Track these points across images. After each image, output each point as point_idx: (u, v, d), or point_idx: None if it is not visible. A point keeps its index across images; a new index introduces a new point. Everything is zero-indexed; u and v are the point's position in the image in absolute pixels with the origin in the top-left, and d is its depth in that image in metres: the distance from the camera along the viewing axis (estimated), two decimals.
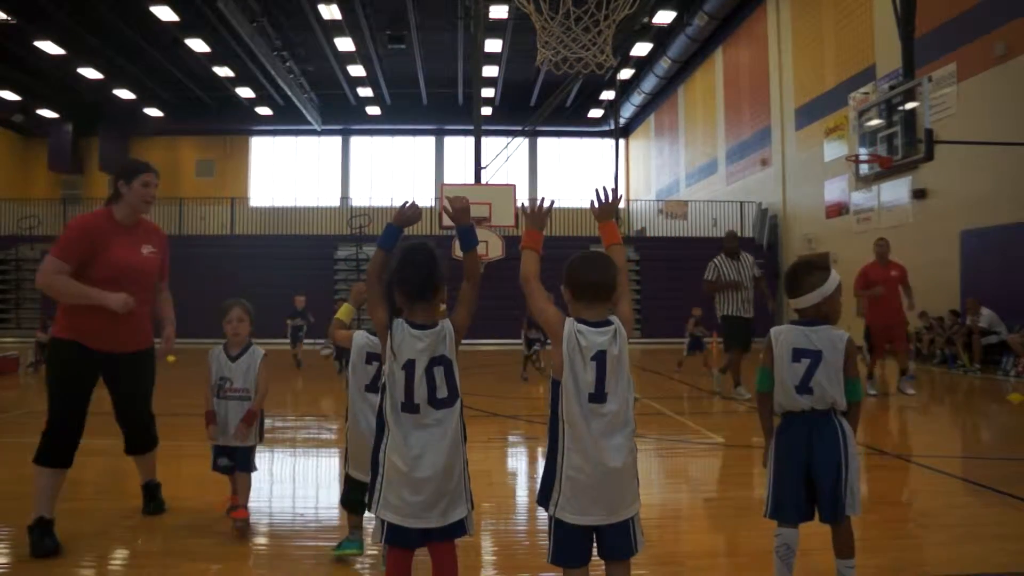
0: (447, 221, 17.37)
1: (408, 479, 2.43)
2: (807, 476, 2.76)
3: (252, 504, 4.44)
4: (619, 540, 2.42)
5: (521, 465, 5.87)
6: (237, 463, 3.92)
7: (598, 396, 2.39)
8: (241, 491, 3.90)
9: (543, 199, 2.71)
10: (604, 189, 2.74)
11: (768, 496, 2.83)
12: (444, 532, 2.48)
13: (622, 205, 25.65)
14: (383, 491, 2.47)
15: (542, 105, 23.11)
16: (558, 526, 2.42)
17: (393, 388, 2.49)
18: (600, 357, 2.40)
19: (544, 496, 2.45)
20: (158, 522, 3.97)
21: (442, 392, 2.48)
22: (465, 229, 2.66)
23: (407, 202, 2.70)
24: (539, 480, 2.51)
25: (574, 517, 2.38)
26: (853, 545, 2.74)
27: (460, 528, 2.51)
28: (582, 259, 2.50)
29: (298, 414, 8.12)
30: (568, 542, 2.41)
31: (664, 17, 22.44)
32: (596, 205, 2.71)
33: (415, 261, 2.51)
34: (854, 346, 2.86)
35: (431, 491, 2.43)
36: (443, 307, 2.63)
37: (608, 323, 2.45)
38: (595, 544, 2.46)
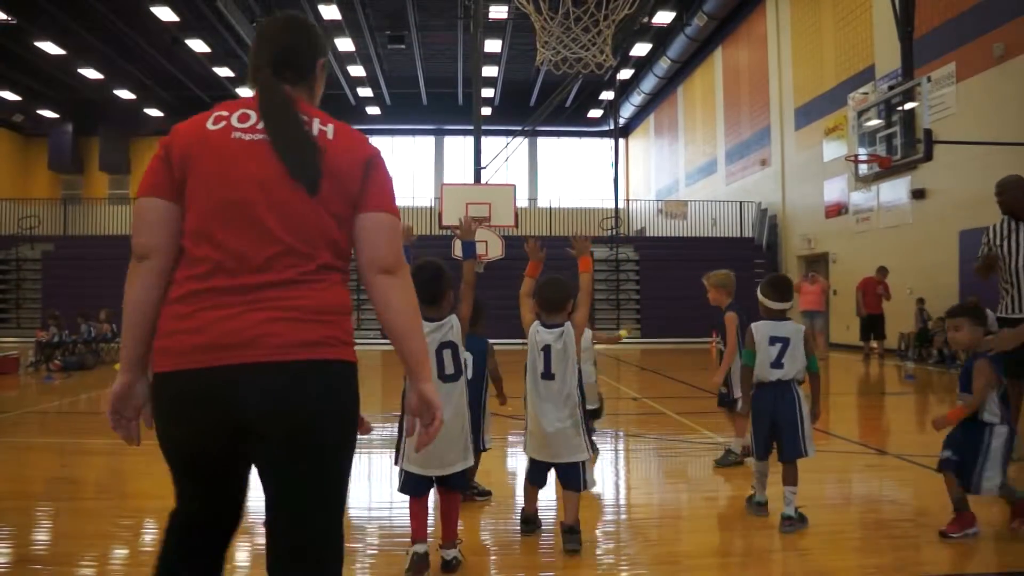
0: (446, 222, 17.47)
1: None
2: (773, 428, 3.93)
3: (251, 503, 4.45)
4: (570, 476, 3.56)
5: (520, 464, 5.86)
6: None
7: (547, 375, 3.55)
8: None
9: (537, 242, 3.81)
10: (577, 235, 3.85)
11: (752, 442, 4.07)
12: (447, 481, 3.27)
13: (622, 205, 25.60)
14: (405, 447, 3.25)
15: (542, 105, 23.10)
16: (529, 460, 3.72)
17: None
18: (547, 349, 3.55)
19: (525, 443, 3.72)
20: (158, 522, 3.97)
21: (449, 369, 3.28)
22: (467, 243, 3.60)
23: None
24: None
25: (532, 454, 3.66)
26: (797, 477, 3.87)
27: (461, 479, 3.31)
28: (546, 283, 3.63)
29: None
30: (532, 470, 3.72)
31: (663, 17, 22.43)
32: (572, 247, 3.80)
33: (424, 278, 3.16)
34: (810, 334, 4.10)
35: (438, 447, 3.10)
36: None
37: (560, 326, 3.57)
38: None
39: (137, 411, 1.83)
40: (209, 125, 1.81)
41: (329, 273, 1.81)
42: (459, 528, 3.40)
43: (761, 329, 4.03)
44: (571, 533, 3.54)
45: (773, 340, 3.96)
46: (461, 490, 3.43)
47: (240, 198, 1.74)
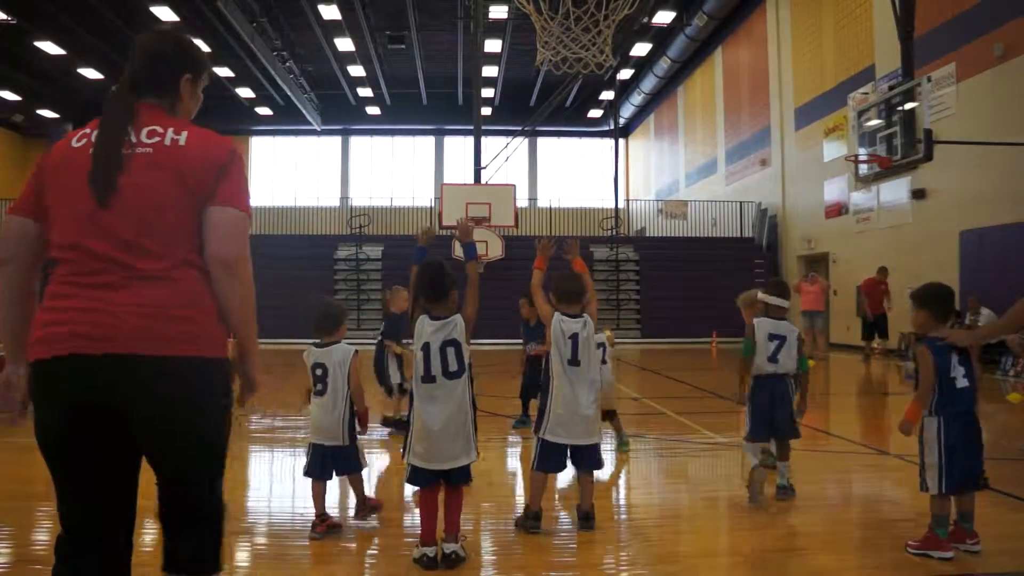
0: (446, 221, 17.45)
1: (424, 433, 3.31)
2: (771, 414, 4.38)
3: (251, 503, 4.46)
4: (589, 457, 3.86)
5: (520, 465, 5.86)
6: None
7: (574, 361, 3.82)
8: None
9: (550, 238, 4.14)
10: (567, 240, 4.18)
11: (749, 425, 4.50)
12: (452, 475, 3.35)
13: (621, 205, 25.61)
14: (411, 442, 3.37)
15: (542, 105, 23.10)
16: (544, 444, 3.81)
17: (417, 365, 3.40)
18: (574, 337, 3.83)
19: (538, 426, 3.86)
20: (158, 522, 3.97)
21: (453, 367, 3.37)
22: (467, 244, 3.78)
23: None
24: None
25: (555, 438, 3.79)
26: (788, 453, 4.50)
27: (466, 473, 3.39)
28: (563, 278, 3.98)
29: (302, 414, 8.10)
30: (548, 455, 3.82)
31: (664, 17, 22.44)
32: (565, 252, 4.15)
33: (428, 276, 3.44)
34: (802, 336, 4.57)
35: (441, 442, 3.30)
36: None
37: (581, 316, 3.90)
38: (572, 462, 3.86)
39: (23, 395, 1.98)
40: (73, 143, 1.98)
41: (189, 270, 1.93)
42: (464, 530, 3.42)
43: (763, 325, 4.45)
44: (587, 520, 3.84)
45: (772, 336, 4.41)
46: (464, 484, 3.50)
47: (94, 210, 1.88)
